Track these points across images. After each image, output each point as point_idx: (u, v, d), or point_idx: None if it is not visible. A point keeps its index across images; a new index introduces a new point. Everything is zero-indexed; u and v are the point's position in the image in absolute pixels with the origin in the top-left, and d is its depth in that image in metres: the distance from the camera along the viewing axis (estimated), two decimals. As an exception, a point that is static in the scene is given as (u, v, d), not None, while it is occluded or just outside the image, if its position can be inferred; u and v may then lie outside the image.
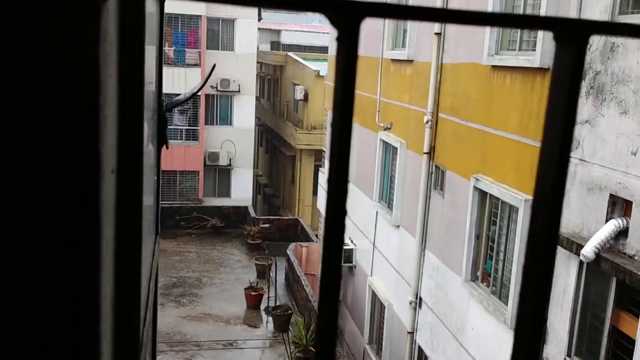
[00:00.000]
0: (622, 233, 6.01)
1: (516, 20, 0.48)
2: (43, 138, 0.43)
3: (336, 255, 0.46)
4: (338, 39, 0.46)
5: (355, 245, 14.73)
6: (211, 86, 26.11)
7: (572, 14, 6.77)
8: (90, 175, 0.45)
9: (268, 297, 17.75)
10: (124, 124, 0.63)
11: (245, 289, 18.09)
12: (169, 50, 25.49)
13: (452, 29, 9.91)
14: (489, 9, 8.53)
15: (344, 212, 0.47)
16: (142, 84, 0.70)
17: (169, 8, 26.49)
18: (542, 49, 7.26)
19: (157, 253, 1.67)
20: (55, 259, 0.45)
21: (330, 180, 0.49)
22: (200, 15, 25.47)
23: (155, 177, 1.69)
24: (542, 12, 7.33)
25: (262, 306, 17.90)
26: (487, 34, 8.56)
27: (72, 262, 0.46)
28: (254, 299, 17.85)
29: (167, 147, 1.76)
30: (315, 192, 23.53)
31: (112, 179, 0.57)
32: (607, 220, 6.17)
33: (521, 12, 8.07)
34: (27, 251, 0.45)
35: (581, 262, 6.48)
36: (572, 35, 0.50)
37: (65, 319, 0.46)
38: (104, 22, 0.46)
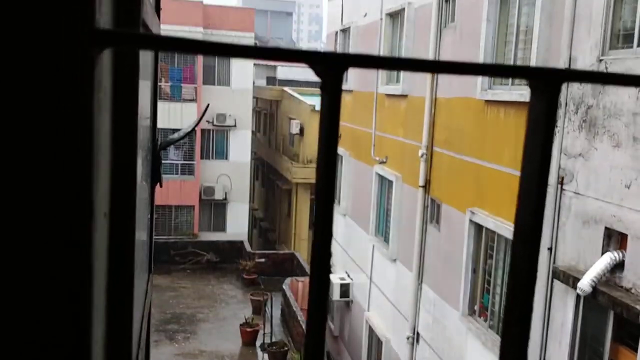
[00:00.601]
0: (618, 266, 6.00)
1: (492, 70, 0.50)
2: (37, 187, 0.44)
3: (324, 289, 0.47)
4: (321, 88, 0.48)
5: (352, 279, 14.63)
6: (207, 121, 26.26)
7: (564, 50, 6.89)
8: (83, 222, 0.46)
9: (264, 333, 17.52)
10: (118, 168, 0.64)
11: (240, 325, 17.87)
12: (165, 86, 25.71)
13: (445, 65, 10.05)
14: (481, 53, 8.68)
15: (329, 256, 0.48)
16: (135, 130, 0.71)
17: (166, 44, 26.72)
18: (534, 84, 7.35)
19: (150, 291, 1.66)
20: (46, 305, 0.46)
21: (316, 226, 0.50)
22: (197, 52, 25.74)
23: (149, 215, 1.69)
24: (534, 49, 7.46)
25: (258, 342, 17.65)
26: (480, 69, 8.68)
27: (63, 307, 0.46)
28: (249, 335, 17.62)
29: (160, 186, 1.77)
30: (311, 226, 23.47)
31: (104, 222, 0.57)
32: (602, 253, 6.16)
33: (512, 51, 8.21)
34: (18, 295, 0.45)
35: (578, 296, 6.45)
36: (546, 84, 0.52)
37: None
38: (98, 73, 0.47)
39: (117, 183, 0.64)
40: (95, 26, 0.45)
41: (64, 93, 0.44)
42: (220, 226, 27.31)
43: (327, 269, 0.49)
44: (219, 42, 0.46)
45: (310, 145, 25.63)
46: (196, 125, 3.06)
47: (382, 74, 12.75)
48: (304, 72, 33.37)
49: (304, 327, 16.36)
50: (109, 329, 0.64)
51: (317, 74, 0.49)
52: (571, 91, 6.80)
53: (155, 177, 1.66)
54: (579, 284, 6.13)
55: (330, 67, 0.47)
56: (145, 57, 1.60)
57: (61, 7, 0.44)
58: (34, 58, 0.43)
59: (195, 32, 25.66)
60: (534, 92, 0.53)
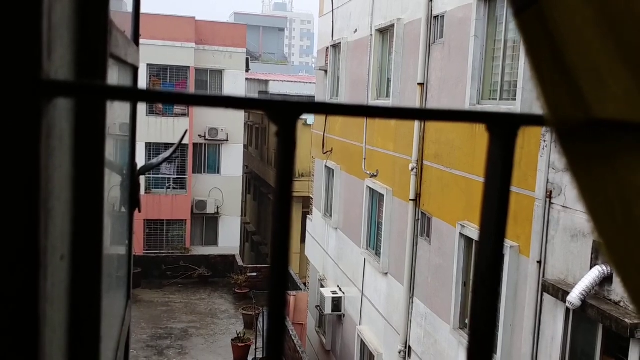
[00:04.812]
0: (607, 279, 6.03)
1: (450, 115, 0.51)
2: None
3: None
4: (277, 134, 0.49)
5: (343, 293, 14.60)
6: (199, 135, 26.27)
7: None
8: (30, 266, 0.46)
9: (255, 348, 17.41)
10: (80, 212, 0.64)
11: (232, 340, 17.75)
12: (157, 100, 25.69)
13: (434, 79, 10.12)
14: (469, 68, 8.74)
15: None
16: (102, 173, 0.71)
17: (157, 59, 26.66)
18: (522, 98, 7.42)
19: (129, 318, 1.65)
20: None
21: (271, 273, 0.51)
22: (189, 67, 25.83)
23: (127, 241, 1.69)
24: (521, 64, 7.53)
25: (250, 358, 17.53)
26: (469, 83, 8.75)
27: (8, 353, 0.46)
28: (241, 351, 17.50)
29: (139, 211, 1.77)
30: (302, 240, 23.43)
31: (62, 265, 0.57)
32: (591, 267, 6.19)
33: (500, 66, 8.28)
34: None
35: (568, 309, 6.46)
36: (503, 128, 0.53)
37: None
38: (52, 119, 0.48)
39: (80, 223, 0.65)
40: (41, 77, 0.46)
41: (7, 143, 0.45)
42: (212, 240, 27.22)
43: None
44: (170, 91, 0.47)
45: (302, 160, 25.66)
46: (174, 151, 3.08)
47: (372, 88, 12.82)
48: (295, 87, 33.50)
49: (295, 341, 16.28)
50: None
51: (272, 121, 0.50)
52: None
53: (133, 203, 1.66)
54: (569, 298, 6.14)
55: (285, 113, 0.48)
56: (125, 76, 1.60)
57: (4, 58, 0.45)
58: None
59: (187, 48, 25.73)
60: (492, 136, 0.54)
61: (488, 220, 0.53)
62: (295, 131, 0.51)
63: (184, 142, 25.26)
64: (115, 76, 1.16)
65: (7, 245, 0.46)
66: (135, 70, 1.64)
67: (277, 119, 0.49)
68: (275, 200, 0.51)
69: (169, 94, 0.45)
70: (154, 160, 3.52)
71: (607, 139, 0.47)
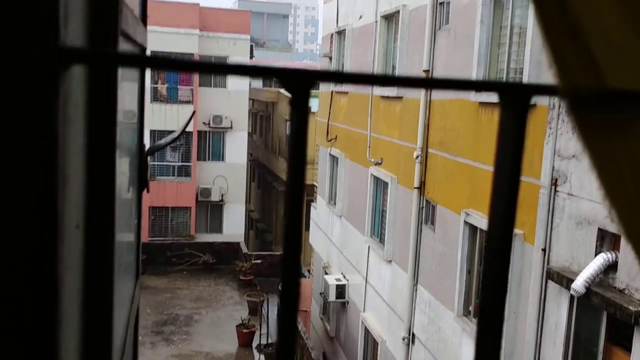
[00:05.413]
0: (612, 267, 6.03)
1: (462, 85, 0.51)
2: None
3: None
4: (291, 103, 0.50)
5: (347, 280, 14.64)
6: (203, 123, 26.26)
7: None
8: (47, 232, 0.47)
9: (260, 334, 17.52)
10: (94, 180, 0.65)
11: (237, 326, 17.87)
12: (162, 88, 25.70)
13: (440, 66, 10.07)
14: (475, 55, 8.70)
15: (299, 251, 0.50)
16: (114, 143, 0.72)
17: (161, 46, 26.55)
18: (527, 86, 7.37)
19: (138, 296, 1.67)
20: (9, 312, 0.47)
21: (285, 237, 0.52)
22: (193, 54, 25.77)
23: (136, 220, 1.70)
24: (527, 50, 7.49)
25: (254, 344, 17.65)
26: (475, 69, 8.71)
27: (27, 318, 0.47)
28: (245, 337, 17.62)
29: (147, 191, 1.78)
30: (307, 228, 23.52)
31: (77, 233, 0.58)
32: (596, 254, 6.19)
33: (506, 52, 8.24)
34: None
35: (572, 297, 6.47)
36: (515, 98, 0.53)
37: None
38: (67, 87, 0.48)
39: (94, 195, 0.65)
40: (59, 44, 0.47)
41: (27, 109, 0.46)
42: (217, 228, 27.30)
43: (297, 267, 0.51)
44: (187, 60, 0.47)
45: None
46: (182, 132, 3.08)
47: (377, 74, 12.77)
48: (300, 74, 33.42)
49: (299, 328, 16.37)
50: (85, 341, 0.64)
51: (287, 89, 0.51)
52: (564, 93, 6.82)
53: (142, 183, 1.67)
54: (573, 285, 6.15)
55: (299, 82, 0.49)
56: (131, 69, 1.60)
57: (24, 26, 0.45)
58: None
59: (191, 34, 25.66)
60: (504, 107, 0.54)
61: (500, 189, 0.53)
62: (309, 99, 0.51)
63: (188, 129, 25.26)
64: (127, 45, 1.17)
65: (27, 207, 0.46)
66: (143, 50, 1.64)
67: (292, 87, 0.49)
68: (289, 167, 0.51)
69: (180, 61, 0.45)
70: (162, 141, 3.53)
71: (619, 108, 0.47)
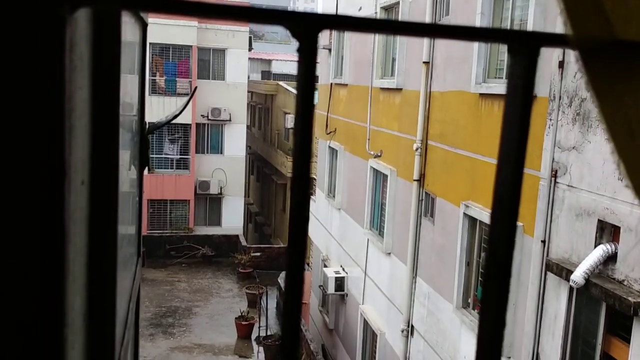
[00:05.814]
0: (611, 258, 6.03)
1: (468, 33, 0.50)
2: (6, 144, 0.44)
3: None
4: (298, 50, 0.48)
5: (346, 273, 14.66)
6: (202, 115, 26.22)
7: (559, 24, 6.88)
8: (55, 184, 0.46)
9: (259, 327, 17.55)
10: (97, 137, 0.64)
11: (236, 318, 17.89)
12: (160, 80, 25.63)
13: (440, 58, 10.05)
14: (475, 46, 8.66)
15: (306, 218, 0.48)
16: (117, 98, 0.71)
17: (160, 38, 26.51)
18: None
19: (139, 276, 1.66)
20: (18, 266, 0.46)
21: (293, 189, 0.50)
22: (192, 46, 25.70)
23: (138, 199, 1.69)
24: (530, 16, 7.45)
25: (253, 336, 17.69)
26: (475, 62, 8.69)
27: (34, 269, 0.46)
28: (244, 329, 17.65)
29: (149, 170, 1.76)
30: (306, 220, 23.49)
31: (82, 190, 0.57)
32: (595, 246, 6.19)
33: (509, 20, 8.21)
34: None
35: (571, 288, 6.48)
36: (524, 47, 0.52)
37: (27, 327, 0.46)
38: (72, 35, 0.47)
39: (98, 152, 0.64)
40: None
41: (32, 51, 0.44)
42: (216, 220, 27.30)
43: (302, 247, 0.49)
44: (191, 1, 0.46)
45: (306, 140, 25.63)
46: (184, 108, 3.06)
47: (377, 68, 12.74)
48: (299, 67, 33.41)
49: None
50: (90, 295, 0.63)
51: (294, 35, 0.49)
52: (565, 84, 6.81)
53: (143, 161, 1.65)
54: (572, 276, 6.15)
55: (307, 27, 0.47)
56: (133, 39, 1.59)
57: None
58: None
59: (189, 26, 25.58)
60: (513, 55, 0.53)
61: (508, 143, 0.52)
62: (317, 46, 0.49)
63: (186, 122, 25.21)
64: (127, 28, 1.15)
65: (34, 153, 0.45)
66: (144, 26, 1.63)
67: (299, 32, 0.48)
68: (296, 117, 0.50)
69: (184, 2, 0.44)
70: (163, 119, 3.51)
71: (629, 59, 0.46)
